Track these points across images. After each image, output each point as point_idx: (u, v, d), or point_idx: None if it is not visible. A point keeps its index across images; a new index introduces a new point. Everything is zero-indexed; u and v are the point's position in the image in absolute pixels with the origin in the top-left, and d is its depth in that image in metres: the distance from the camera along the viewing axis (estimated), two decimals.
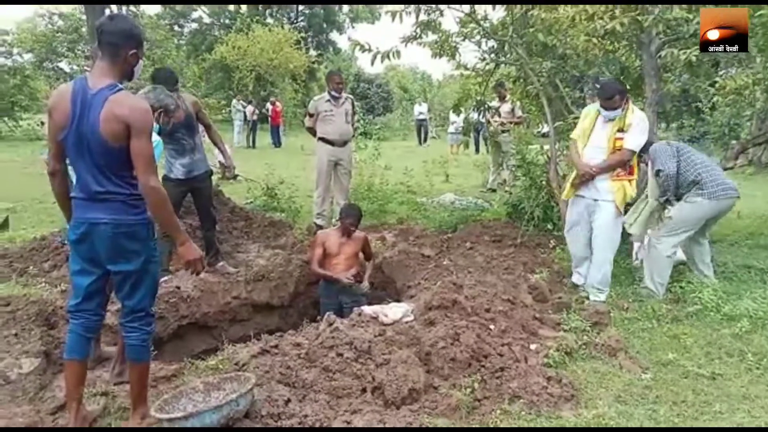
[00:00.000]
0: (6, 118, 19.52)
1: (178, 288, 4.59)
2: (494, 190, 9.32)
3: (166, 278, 4.67)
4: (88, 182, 2.41)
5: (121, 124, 2.30)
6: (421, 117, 21.87)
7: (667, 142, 4.75)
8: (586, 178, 4.36)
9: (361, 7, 33.09)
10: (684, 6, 4.57)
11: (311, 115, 6.62)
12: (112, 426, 2.69)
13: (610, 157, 4.28)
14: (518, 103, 8.68)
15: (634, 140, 4.24)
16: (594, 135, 4.37)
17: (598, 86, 4.32)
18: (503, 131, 9.21)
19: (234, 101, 20.24)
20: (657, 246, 4.41)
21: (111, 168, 2.39)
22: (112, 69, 2.41)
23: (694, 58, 4.48)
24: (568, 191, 4.56)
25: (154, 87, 3.85)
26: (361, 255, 5.19)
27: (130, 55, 2.42)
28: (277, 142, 19.67)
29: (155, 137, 3.40)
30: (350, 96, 6.83)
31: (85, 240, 2.47)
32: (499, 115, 8.89)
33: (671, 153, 4.39)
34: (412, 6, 5.51)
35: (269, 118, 20.30)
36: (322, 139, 6.53)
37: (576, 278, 4.72)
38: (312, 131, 6.70)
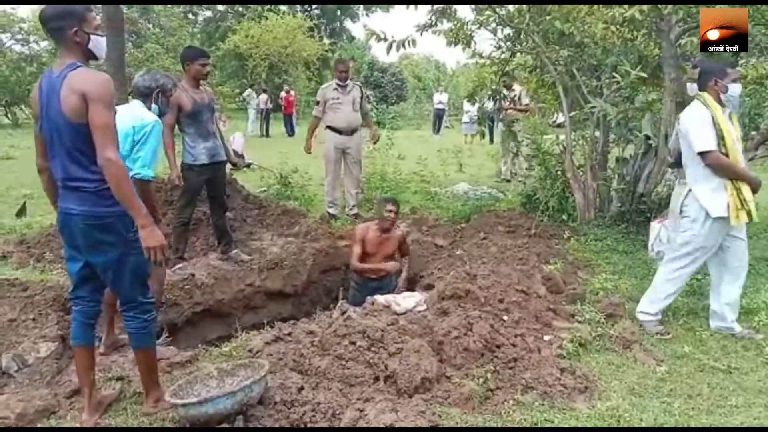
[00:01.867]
0: (23, 106, 19.73)
1: (193, 275, 4.62)
2: (509, 180, 9.24)
3: (180, 265, 4.70)
4: (58, 169, 2.38)
5: (79, 97, 2.23)
6: (440, 106, 21.72)
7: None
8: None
9: None
10: None
11: (318, 103, 6.64)
12: (128, 410, 2.72)
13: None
14: (524, 90, 8.57)
15: None
16: (733, 136, 3.49)
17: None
18: (515, 120, 9.13)
19: (248, 90, 20.28)
20: None
21: (80, 151, 2.31)
22: (68, 53, 2.35)
23: None
24: (741, 214, 3.45)
25: (149, 69, 3.88)
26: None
27: (73, 33, 2.31)
28: (290, 131, 19.67)
29: (153, 117, 3.31)
30: (358, 83, 6.83)
31: (64, 229, 2.46)
32: (514, 103, 8.81)
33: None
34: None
35: (282, 107, 20.29)
36: (329, 127, 6.56)
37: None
38: (316, 120, 6.67)
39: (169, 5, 24.23)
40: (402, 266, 5.15)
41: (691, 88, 4.22)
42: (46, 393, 2.78)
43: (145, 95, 3.47)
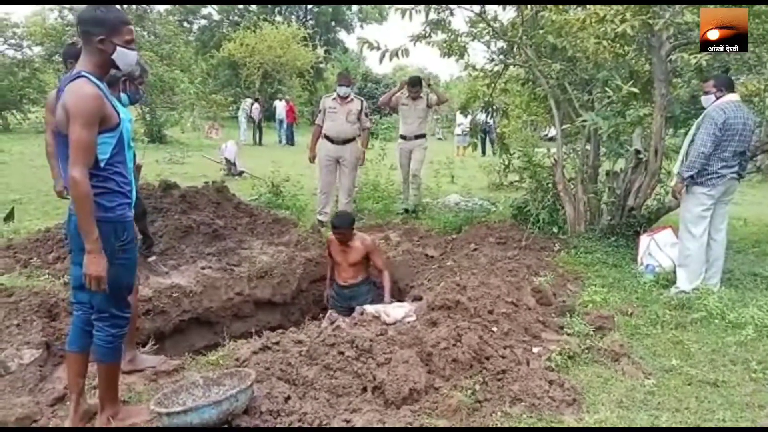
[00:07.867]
0: (15, 111, 19.63)
1: (181, 283, 4.58)
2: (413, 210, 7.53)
3: (167, 270, 4.66)
4: (64, 173, 2.40)
5: (65, 112, 2.26)
6: None
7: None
8: None
9: (370, 6, 33.08)
10: (695, 10, 4.53)
11: (321, 112, 6.80)
12: (111, 421, 2.68)
13: None
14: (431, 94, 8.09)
15: None
16: None
17: None
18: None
19: (248, 100, 20.49)
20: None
21: None
22: (87, 58, 2.35)
23: (704, 63, 4.44)
24: None
25: None
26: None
27: (98, 41, 2.31)
28: (289, 140, 19.85)
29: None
30: (361, 98, 6.86)
31: (70, 232, 2.50)
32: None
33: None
34: (422, 4, 5.51)
35: (278, 116, 20.47)
36: (325, 135, 6.71)
37: None
38: (318, 128, 6.80)
39: (165, 13, 24.25)
40: (384, 281, 5.02)
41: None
42: (29, 400, 2.74)
43: (111, 84, 3.35)
